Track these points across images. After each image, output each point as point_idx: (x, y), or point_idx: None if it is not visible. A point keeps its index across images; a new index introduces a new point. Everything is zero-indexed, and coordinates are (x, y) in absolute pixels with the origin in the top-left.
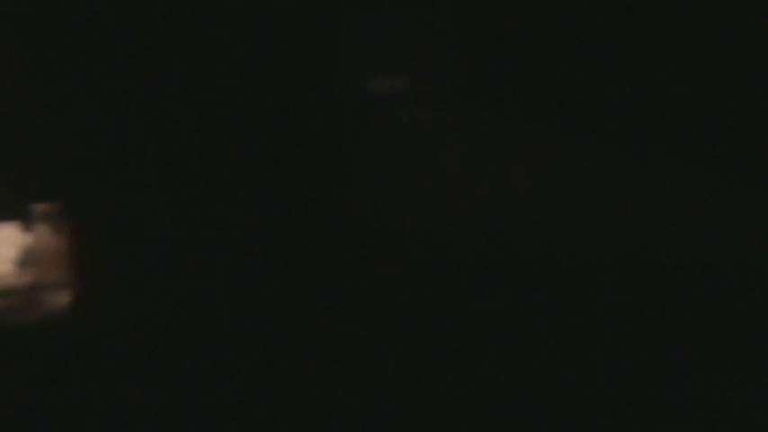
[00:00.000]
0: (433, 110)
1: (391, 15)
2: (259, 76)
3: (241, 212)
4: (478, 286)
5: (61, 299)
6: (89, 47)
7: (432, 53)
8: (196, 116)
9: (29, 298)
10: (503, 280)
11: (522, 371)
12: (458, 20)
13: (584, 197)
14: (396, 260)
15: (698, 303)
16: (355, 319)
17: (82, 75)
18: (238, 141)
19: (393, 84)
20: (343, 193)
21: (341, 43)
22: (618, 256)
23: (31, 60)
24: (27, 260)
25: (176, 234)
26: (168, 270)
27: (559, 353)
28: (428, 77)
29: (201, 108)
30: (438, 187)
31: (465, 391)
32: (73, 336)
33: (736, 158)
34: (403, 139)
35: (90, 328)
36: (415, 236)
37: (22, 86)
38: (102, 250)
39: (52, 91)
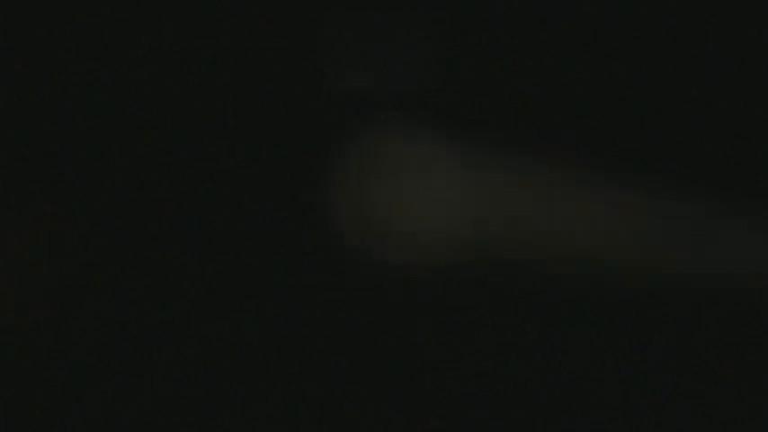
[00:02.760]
0: (408, 112)
1: (369, 18)
2: (231, 76)
3: (207, 214)
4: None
5: None
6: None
7: (407, 55)
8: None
9: None
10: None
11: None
12: (435, 22)
13: (558, 205)
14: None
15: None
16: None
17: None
18: (207, 141)
19: (368, 86)
20: (314, 196)
21: (316, 44)
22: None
23: None
24: None
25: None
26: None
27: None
28: (403, 79)
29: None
30: (409, 192)
31: None
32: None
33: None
34: (375, 141)
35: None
36: (382, 241)
37: None
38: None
39: None
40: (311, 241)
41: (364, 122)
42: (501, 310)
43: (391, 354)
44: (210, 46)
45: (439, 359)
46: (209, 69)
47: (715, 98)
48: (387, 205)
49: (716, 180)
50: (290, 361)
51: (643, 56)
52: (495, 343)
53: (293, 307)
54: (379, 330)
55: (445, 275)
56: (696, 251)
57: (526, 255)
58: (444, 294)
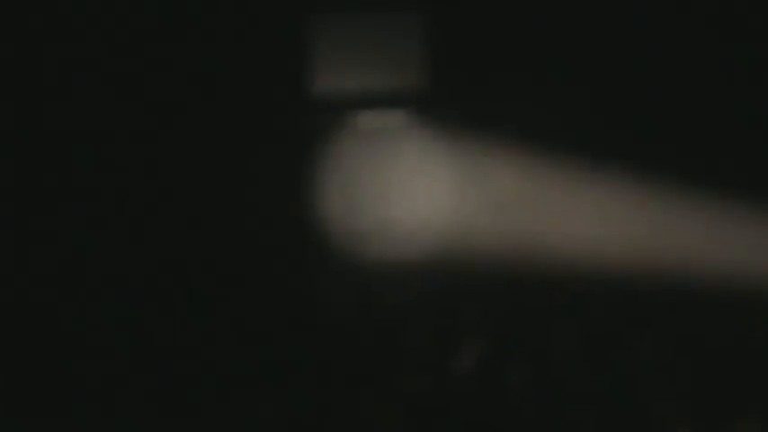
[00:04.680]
0: (397, 114)
1: (356, 22)
2: (225, 80)
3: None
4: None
5: None
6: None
7: (396, 59)
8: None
9: None
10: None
11: None
12: (423, 27)
13: (544, 203)
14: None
15: None
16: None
17: None
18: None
19: (357, 89)
20: (299, 195)
21: (304, 48)
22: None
23: None
24: None
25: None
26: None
27: None
28: (392, 83)
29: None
30: (399, 191)
31: None
32: None
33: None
34: (366, 143)
35: None
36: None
37: None
38: None
39: None
40: (296, 240)
41: (348, 123)
42: (483, 305)
43: (374, 348)
44: (195, 50)
45: (419, 354)
46: (195, 72)
47: (715, 100)
48: (372, 203)
49: (713, 182)
50: (273, 354)
51: (637, 55)
52: (478, 339)
53: (277, 303)
54: (362, 326)
55: (430, 271)
56: (687, 251)
57: (511, 251)
58: (428, 290)
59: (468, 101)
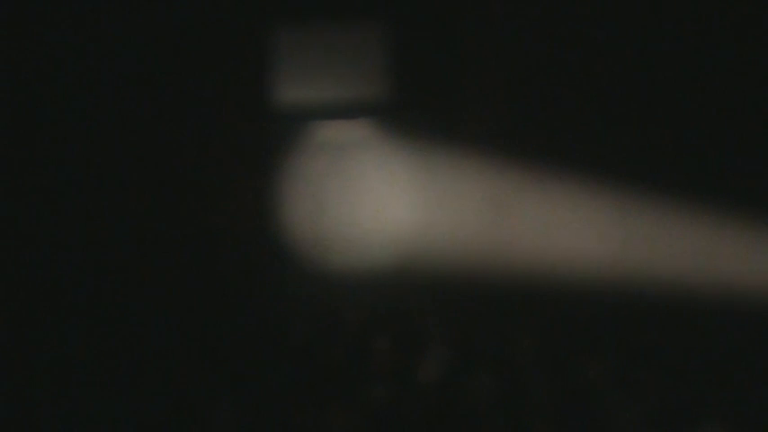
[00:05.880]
0: (361, 125)
1: (319, 33)
2: (189, 89)
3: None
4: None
5: None
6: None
7: (360, 71)
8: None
9: None
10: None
11: None
12: (386, 38)
13: (513, 215)
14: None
15: None
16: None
17: None
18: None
19: (321, 100)
20: (264, 204)
21: (268, 59)
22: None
23: None
24: None
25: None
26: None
27: None
28: (356, 94)
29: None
30: (366, 205)
31: None
32: None
33: None
34: (330, 154)
35: None
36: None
37: None
38: None
39: None
40: (260, 251)
41: (312, 134)
42: (447, 315)
43: (339, 358)
44: (157, 62)
45: (384, 363)
46: (156, 84)
47: (714, 102)
48: (336, 215)
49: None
50: (238, 365)
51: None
52: (443, 349)
53: (241, 314)
54: (327, 336)
55: (394, 281)
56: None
57: (475, 261)
58: (392, 300)
59: (432, 111)
